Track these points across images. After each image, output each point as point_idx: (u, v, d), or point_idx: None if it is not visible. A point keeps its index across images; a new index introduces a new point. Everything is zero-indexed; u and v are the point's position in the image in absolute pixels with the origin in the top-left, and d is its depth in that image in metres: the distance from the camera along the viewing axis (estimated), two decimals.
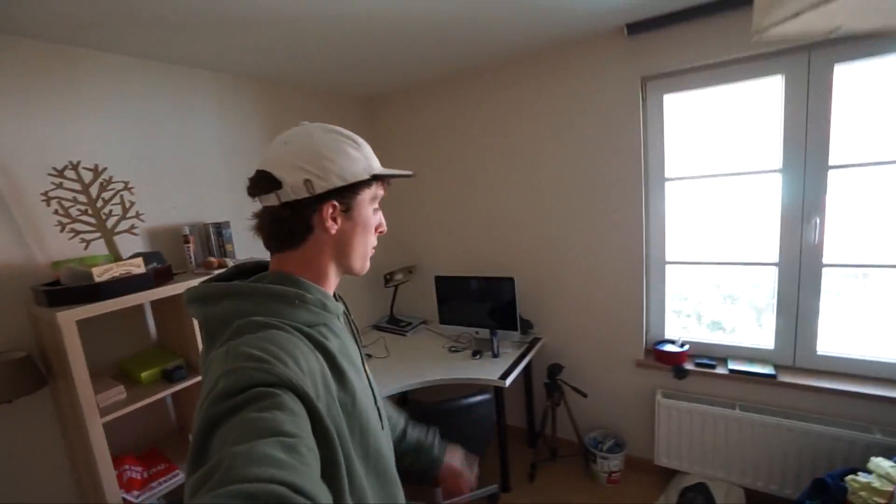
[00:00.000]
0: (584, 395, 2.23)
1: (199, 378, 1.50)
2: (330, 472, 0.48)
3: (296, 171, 0.59)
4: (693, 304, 2.20)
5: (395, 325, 2.74)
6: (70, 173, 1.35)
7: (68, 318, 1.18)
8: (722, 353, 2.04)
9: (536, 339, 2.37)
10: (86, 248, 1.40)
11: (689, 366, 2.03)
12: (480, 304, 2.34)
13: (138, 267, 1.36)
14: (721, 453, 1.92)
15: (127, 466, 1.38)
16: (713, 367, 1.98)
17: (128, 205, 1.44)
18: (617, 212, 2.09)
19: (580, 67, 2.05)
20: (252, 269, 0.69)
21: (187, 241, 1.68)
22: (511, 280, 2.22)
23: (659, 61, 1.85)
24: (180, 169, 1.79)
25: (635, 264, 2.09)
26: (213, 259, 1.65)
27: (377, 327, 2.78)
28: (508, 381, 1.96)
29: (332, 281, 0.68)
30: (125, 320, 1.58)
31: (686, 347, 2.06)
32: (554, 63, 2.11)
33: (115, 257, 1.43)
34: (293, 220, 0.61)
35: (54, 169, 1.33)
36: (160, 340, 1.65)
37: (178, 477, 1.43)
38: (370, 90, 2.57)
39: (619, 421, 2.28)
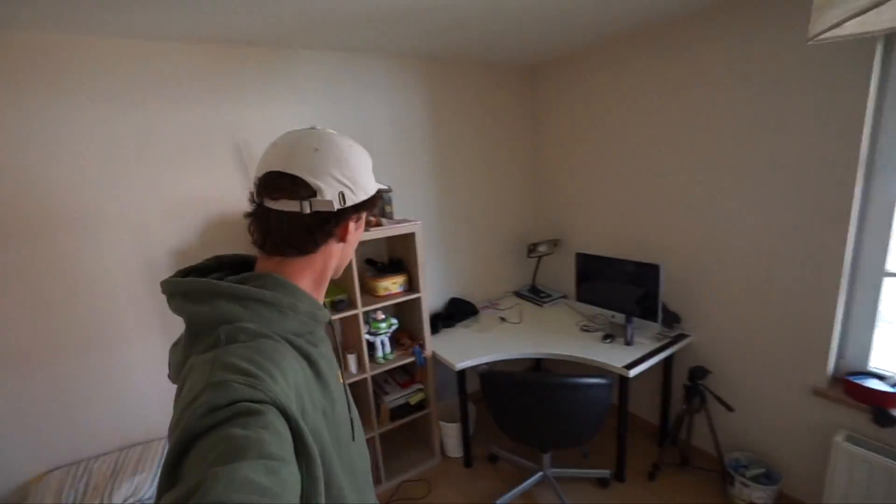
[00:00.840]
0: (731, 410, 1.92)
1: (354, 311, 1.92)
2: (309, 492, 0.46)
3: (333, 182, 0.59)
4: None
5: (534, 294, 2.81)
6: None
7: None
8: None
9: (682, 336, 2.12)
10: None
11: None
12: (621, 287, 2.20)
13: None
14: None
15: None
16: None
17: None
18: (811, 202, 1.65)
19: (780, 21, 1.60)
20: (232, 264, 0.66)
21: None
22: (657, 267, 2.01)
23: None
24: (357, 140, 2.17)
25: (830, 270, 1.64)
26: (373, 217, 2.01)
27: (518, 294, 2.90)
28: (633, 373, 1.86)
29: (325, 288, 0.68)
30: None
31: None
32: (743, 17, 1.70)
33: None
34: (318, 229, 0.60)
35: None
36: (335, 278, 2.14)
37: None
38: (531, 59, 2.54)
39: (773, 450, 1.91)
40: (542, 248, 2.71)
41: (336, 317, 1.88)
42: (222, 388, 0.43)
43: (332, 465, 0.57)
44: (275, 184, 0.58)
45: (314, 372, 0.58)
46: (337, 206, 0.59)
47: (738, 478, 1.85)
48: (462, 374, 2.10)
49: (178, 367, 0.55)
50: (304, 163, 0.58)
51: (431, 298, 2.56)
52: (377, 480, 2.11)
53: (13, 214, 1.51)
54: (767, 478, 1.86)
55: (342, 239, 0.64)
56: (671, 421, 2.24)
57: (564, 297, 2.78)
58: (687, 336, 2.13)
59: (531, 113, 2.81)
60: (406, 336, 2.24)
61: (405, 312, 2.27)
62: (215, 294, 0.54)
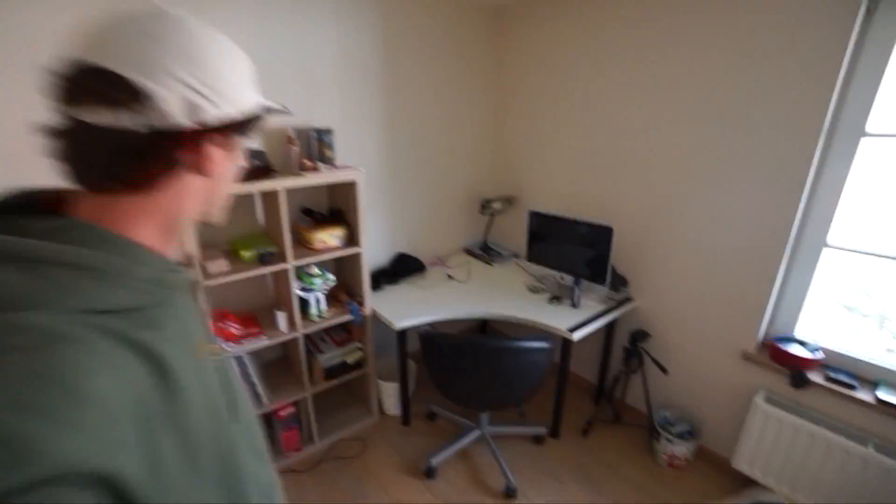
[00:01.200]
0: (665, 372, 1.98)
1: (283, 265, 1.73)
2: None
3: (176, 85, 0.39)
4: (877, 304, 1.65)
5: (485, 252, 2.71)
6: None
7: None
8: (874, 375, 1.57)
9: (628, 300, 2.13)
10: None
11: (816, 377, 1.62)
12: (572, 248, 2.14)
13: None
14: (824, 486, 1.58)
15: (229, 323, 1.72)
16: (853, 388, 1.54)
17: None
18: (767, 172, 1.61)
19: None
20: (33, 203, 0.41)
21: (291, 143, 1.82)
22: (609, 230, 1.95)
23: None
24: (293, 72, 1.88)
25: (775, 239, 1.64)
26: (307, 161, 1.78)
27: (468, 251, 2.80)
28: (577, 336, 1.83)
29: (179, 235, 0.49)
30: (237, 207, 1.83)
31: (819, 354, 1.63)
32: None
33: None
34: (152, 152, 0.41)
35: None
36: (267, 227, 1.91)
37: (264, 341, 1.73)
38: None
39: (699, 408, 2.00)
40: (495, 205, 2.59)
41: (264, 271, 1.68)
42: None
43: (188, 481, 0.41)
44: (81, 81, 0.38)
45: (155, 369, 0.39)
46: (181, 121, 0.40)
47: (663, 433, 1.93)
48: (402, 333, 2.00)
49: None
50: (130, 52, 0.38)
51: (377, 252, 2.40)
52: (309, 439, 2.02)
53: None
54: (690, 434, 1.96)
55: (202, 171, 0.45)
56: (609, 381, 2.29)
57: (515, 255, 2.72)
58: (631, 300, 2.13)
59: (494, 59, 2.57)
60: (344, 293, 2.09)
61: (345, 268, 2.10)
62: None
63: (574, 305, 2.05)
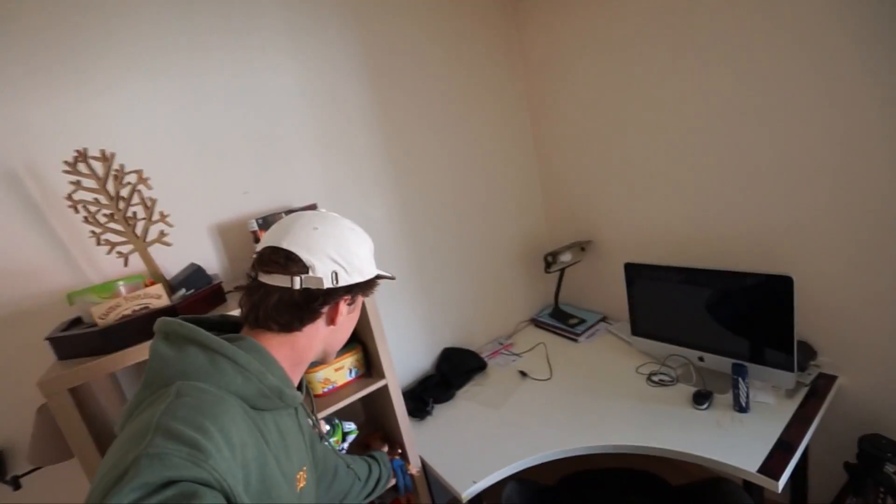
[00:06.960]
0: None
1: None
2: None
3: (327, 261, 0.60)
4: None
5: (560, 321, 1.96)
6: (82, 166, 0.98)
7: (54, 385, 0.80)
8: None
9: (826, 378, 1.29)
10: (125, 264, 1.04)
11: None
12: (709, 313, 1.36)
13: (159, 297, 0.92)
14: None
15: None
16: None
17: (149, 203, 1.01)
18: None
19: None
20: (234, 325, 0.66)
21: (258, 240, 1.22)
22: (786, 280, 1.16)
23: None
24: (244, 139, 1.31)
25: None
26: None
27: (536, 322, 2.06)
28: (782, 481, 1.02)
29: (304, 369, 0.66)
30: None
31: None
32: None
33: (155, 274, 1.04)
34: (305, 306, 0.61)
35: (66, 163, 0.96)
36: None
37: None
38: None
39: None
40: (564, 257, 1.86)
41: None
42: (160, 463, 0.39)
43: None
44: (270, 258, 0.60)
45: (260, 437, 0.54)
46: (328, 285, 0.60)
47: None
48: (477, 501, 1.26)
49: (127, 412, 0.51)
50: (302, 239, 0.60)
51: (415, 360, 1.72)
52: None
53: None
54: None
55: (332, 321, 0.65)
56: None
57: (604, 319, 1.94)
58: (834, 379, 1.29)
59: (518, 57, 1.93)
60: (378, 437, 1.39)
61: (370, 404, 1.42)
62: (190, 339, 0.54)
63: (742, 409, 1.24)
